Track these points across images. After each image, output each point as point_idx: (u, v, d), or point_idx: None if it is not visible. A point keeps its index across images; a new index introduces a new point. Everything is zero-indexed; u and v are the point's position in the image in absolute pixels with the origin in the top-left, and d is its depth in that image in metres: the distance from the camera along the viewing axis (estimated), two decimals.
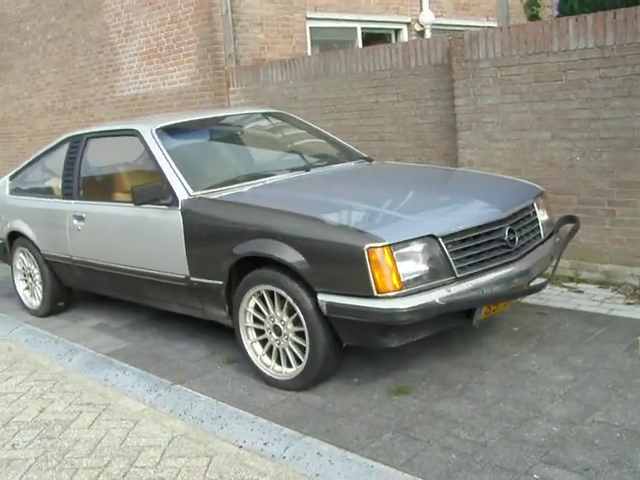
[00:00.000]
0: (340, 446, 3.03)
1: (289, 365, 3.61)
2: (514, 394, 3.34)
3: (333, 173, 4.44)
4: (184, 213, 3.94)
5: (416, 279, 3.19)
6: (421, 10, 9.89)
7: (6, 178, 5.76)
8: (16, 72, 11.13)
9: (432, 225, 3.32)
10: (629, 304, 4.45)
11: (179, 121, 4.71)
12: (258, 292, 3.66)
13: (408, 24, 9.83)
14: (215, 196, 3.95)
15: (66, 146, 5.09)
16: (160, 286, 4.25)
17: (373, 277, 3.11)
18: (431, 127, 5.85)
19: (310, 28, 8.54)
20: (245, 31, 7.73)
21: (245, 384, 3.79)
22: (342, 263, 3.22)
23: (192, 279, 3.98)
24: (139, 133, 4.40)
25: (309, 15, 8.45)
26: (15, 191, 5.64)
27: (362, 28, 9.22)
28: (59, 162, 5.09)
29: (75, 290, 5.48)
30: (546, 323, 4.25)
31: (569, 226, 4.15)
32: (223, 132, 4.91)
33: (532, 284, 3.65)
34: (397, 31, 9.86)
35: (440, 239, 3.28)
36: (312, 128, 5.18)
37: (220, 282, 3.82)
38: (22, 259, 5.57)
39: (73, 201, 4.87)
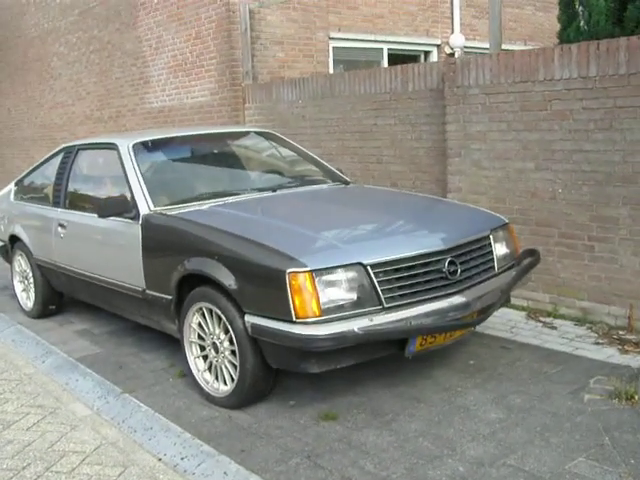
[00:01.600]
0: (247, 467, 3.05)
1: (225, 383, 3.66)
2: (438, 430, 3.29)
3: (297, 195, 4.48)
4: (143, 227, 4.05)
5: (338, 307, 3.19)
6: (452, 32, 9.84)
7: (12, 184, 6.03)
8: (63, 81, 11.61)
9: (363, 253, 3.31)
10: (598, 344, 4.31)
11: (159, 137, 4.84)
12: (200, 309, 3.73)
13: (438, 46, 9.79)
14: (173, 212, 4.05)
15: (61, 155, 5.31)
16: (124, 297, 4.37)
17: (293, 302, 3.12)
18: (425, 152, 5.82)
19: (333, 48, 8.61)
20: (264, 49, 7.86)
21: (187, 398, 3.85)
22: (266, 286, 3.26)
23: (147, 292, 4.09)
24: (117, 147, 4.55)
25: (332, 35, 8.52)
26: (18, 196, 5.90)
27: (388, 49, 9.24)
28: (54, 171, 5.31)
29: (67, 295, 5.69)
30: (505, 358, 4.16)
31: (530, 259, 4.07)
32: (203, 150, 5.02)
33: (474, 318, 3.59)
34: (427, 53, 9.83)
35: (369, 267, 3.27)
36: (298, 149, 5.23)
37: (170, 297, 3.90)
38: (20, 262, 5.81)
39: (59, 209, 5.07)
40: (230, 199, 4.26)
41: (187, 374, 4.10)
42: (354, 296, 3.23)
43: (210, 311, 3.65)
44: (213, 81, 7.98)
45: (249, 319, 3.32)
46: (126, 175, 4.33)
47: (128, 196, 4.23)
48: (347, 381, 3.88)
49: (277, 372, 3.64)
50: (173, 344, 4.59)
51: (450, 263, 3.50)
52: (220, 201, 4.22)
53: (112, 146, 4.64)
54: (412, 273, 3.40)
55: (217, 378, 3.71)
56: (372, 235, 3.64)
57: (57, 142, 11.50)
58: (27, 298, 5.81)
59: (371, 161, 6.35)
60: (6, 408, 3.99)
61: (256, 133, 5.32)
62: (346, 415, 3.50)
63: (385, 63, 9.08)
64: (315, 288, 3.13)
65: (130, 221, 4.15)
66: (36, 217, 5.44)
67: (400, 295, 3.34)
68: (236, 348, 3.46)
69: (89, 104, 10.81)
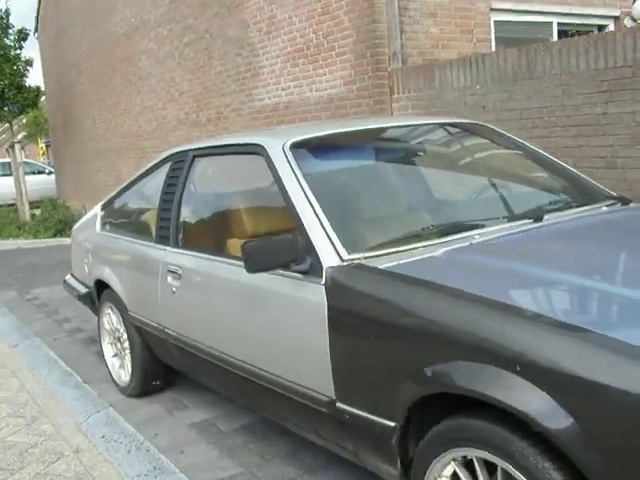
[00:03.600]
0: None
1: None
2: None
3: (583, 228, 2.58)
4: (331, 290, 2.25)
5: None
6: (634, 1, 7.77)
7: (98, 208, 4.38)
8: (152, 81, 10.13)
9: None
10: None
11: (325, 133, 3.03)
12: (464, 457, 1.91)
13: (616, 18, 7.74)
14: (386, 264, 2.23)
15: (167, 167, 3.59)
16: (287, 402, 2.58)
17: None
18: None
19: (494, 22, 6.70)
20: (414, 23, 6.02)
21: None
22: None
23: (340, 406, 2.27)
24: (264, 150, 2.79)
25: (494, 5, 6.61)
26: (106, 226, 4.24)
27: (559, 23, 7.25)
28: (156, 189, 3.60)
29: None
30: None
31: None
32: (391, 153, 3.17)
33: None
34: (601, 27, 7.78)
35: None
36: (527, 149, 3.34)
37: (392, 423, 2.08)
38: (110, 317, 4.14)
39: (168, 248, 3.34)
40: (475, 235, 2.42)
41: None
42: None
43: (483, 462, 1.83)
44: (348, 67, 6.18)
45: None
46: (288, 197, 2.55)
47: (294, 234, 2.44)
48: None
49: None
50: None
51: None
52: (460, 240, 2.38)
53: (254, 149, 2.88)
54: None
55: None
56: None
57: (146, 152, 10.03)
58: (121, 367, 4.13)
59: (598, 165, 4.40)
60: None
61: (459, 127, 3.43)
62: None
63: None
64: None
65: (302, 278, 2.37)
66: (132, 257, 3.76)
67: None
68: None
69: (183, 106, 9.24)
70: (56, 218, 12.26)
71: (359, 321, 2.17)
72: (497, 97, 4.98)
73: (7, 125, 14.24)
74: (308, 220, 2.41)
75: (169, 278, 3.24)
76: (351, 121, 4.39)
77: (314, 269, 2.32)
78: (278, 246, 2.35)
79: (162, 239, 3.41)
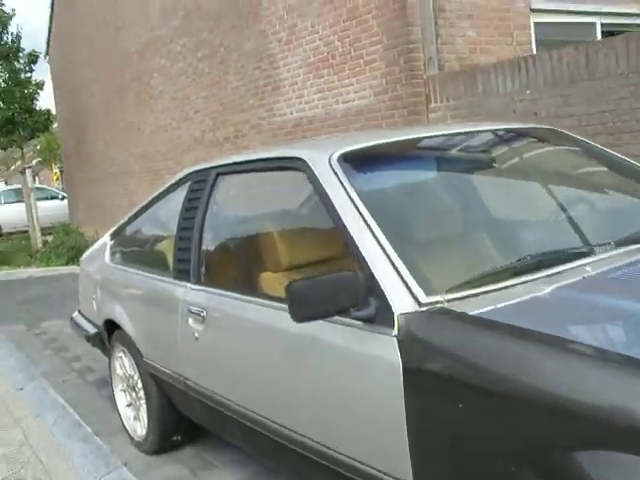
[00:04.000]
0: None
1: None
2: None
3: None
4: (406, 345, 1.70)
5: None
6: None
7: (107, 237, 3.86)
8: (166, 100, 9.68)
9: None
10: None
11: (380, 142, 2.49)
12: None
13: None
14: (479, 309, 1.69)
15: (185, 189, 3.06)
16: None
17: None
18: None
19: (535, 23, 6.17)
20: (450, 26, 5.51)
21: None
22: None
23: None
24: (306, 165, 2.25)
25: (535, 6, 6.09)
26: (116, 257, 3.72)
27: (602, 24, 6.71)
28: (173, 215, 3.07)
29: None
30: None
31: None
32: (462, 165, 2.60)
33: None
34: None
35: None
36: (613, 158, 2.79)
37: None
38: (123, 362, 3.61)
39: (189, 284, 2.80)
40: (586, 266, 1.87)
41: None
42: None
43: None
44: (378, 75, 5.67)
45: None
46: (340, 222, 2.01)
47: (353, 269, 1.90)
48: None
49: None
50: None
51: None
52: (568, 273, 1.83)
53: (293, 163, 2.35)
54: None
55: None
56: None
57: (160, 175, 9.57)
58: (136, 419, 3.59)
59: None
60: None
61: (533, 134, 2.87)
62: None
63: None
64: None
65: (365, 327, 1.83)
66: (146, 294, 3.23)
67: None
68: None
69: (198, 125, 8.77)
70: (68, 245, 11.79)
71: (448, 387, 1.62)
72: (551, 102, 4.44)
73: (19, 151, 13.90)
74: (370, 252, 1.87)
75: (190, 321, 2.71)
76: (402, 130, 3.82)
77: (381, 316, 1.78)
78: (333, 286, 1.81)
79: (181, 273, 2.87)
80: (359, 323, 1.84)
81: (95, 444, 3.75)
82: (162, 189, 3.37)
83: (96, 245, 4.22)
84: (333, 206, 2.05)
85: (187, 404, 3.01)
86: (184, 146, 9.20)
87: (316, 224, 2.37)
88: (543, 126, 3.01)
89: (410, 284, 1.78)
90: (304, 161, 2.27)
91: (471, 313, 1.67)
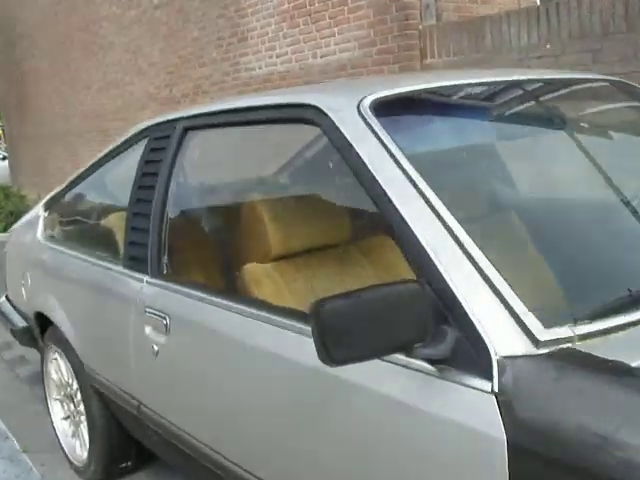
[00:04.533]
0: None
1: None
2: None
3: None
4: (514, 409, 1.03)
5: None
6: None
7: (40, 207, 3.07)
8: (117, 52, 8.75)
9: None
10: None
11: (423, 87, 1.74)
12: None
13: None
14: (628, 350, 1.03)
15: (141, 147, 2.29)
16: None
17: None
18: None
19: None
20: None
21: None
22: None
23: None
24: (323, 116, 1.53)
25: None
26: (50, 233, 2.93)
27: None
28: (126, 181, 2.30)
29: None
30: None
31: None
32: (542, 124, 1.85)
33: None
34: None
35: None
36: None
37: None
38: (59, 366, 2.86)
39: (146, 278, 2.06)
40: None
41: None
42: None
43: None
44: (365, 25, 4.92)
45: None
46: (383, 203, 1.31)
47: (419, 281, 1.20)
48: None
49: None
50: None
51: None
52: None
53: (301, 113, 1.63)
54: None
55: None
56: None
57: (110, 135, 8.66)
58: (74, 436, 2.86)
59: None
60: None
61: (615, 86, 2.18)
62: None
63: None
64: None
65: (437, 374, 1.15)
66: (87, 286, 2.46)
67: None
68: None
69: (153, 80, 7.90)
70: (7, 209, 10.78)
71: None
72: (577, 59, 3.78)
73: None
74: (444, 252, 1.18)
75: (147, 329, 1.97)
76: (439, 74, 2.87)
77: (467, 357, 1.10)
78: (388, 308, 1.11)
79: (134, 262, 2.12)
80: (427, 366, 1.15)
81: (21, 464, 3.01)
82: (110, 147, 2.59)
83: (28, 215, 3.43)
84: (373, 177, 1.34)
85: (141, 432, 2.29)
86: (137, 104, 8.32)
87: (329, 197, 1.66)
88: (609, 77, 2.32)
89: (517, 309, 1.09)
90: (320, 110, 1.55)
91: (627, 361, 1.00)
